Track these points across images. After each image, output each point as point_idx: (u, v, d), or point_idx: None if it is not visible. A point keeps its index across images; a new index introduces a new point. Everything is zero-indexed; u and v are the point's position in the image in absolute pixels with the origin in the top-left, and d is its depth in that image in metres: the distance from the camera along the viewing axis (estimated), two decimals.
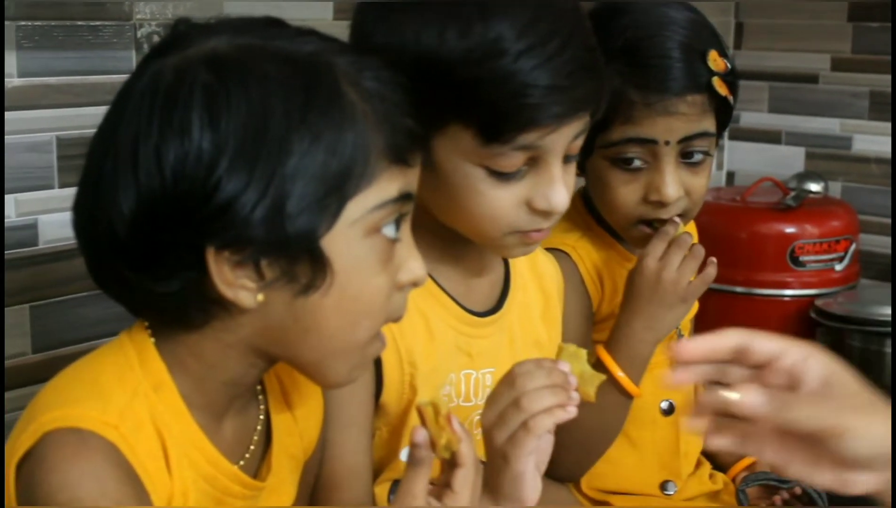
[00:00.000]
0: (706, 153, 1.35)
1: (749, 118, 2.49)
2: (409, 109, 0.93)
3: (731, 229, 2.12)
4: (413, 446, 0.94)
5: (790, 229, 2.11)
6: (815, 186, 2.28)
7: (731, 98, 1.35)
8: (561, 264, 1.37)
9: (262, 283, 0.89)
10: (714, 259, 1.36)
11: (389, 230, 0.92)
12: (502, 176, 1.07)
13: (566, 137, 1.08)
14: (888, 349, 1.94)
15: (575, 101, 1.06)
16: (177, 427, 0.93)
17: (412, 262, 0.95)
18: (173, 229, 0.87)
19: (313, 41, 0.92)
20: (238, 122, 0.86)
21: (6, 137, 1.38)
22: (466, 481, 0.97)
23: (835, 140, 2.39)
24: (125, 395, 0.91)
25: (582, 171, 1.36)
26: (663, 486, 1.47)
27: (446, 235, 1.17)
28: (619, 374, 1.34)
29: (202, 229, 0.86)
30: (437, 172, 1.08)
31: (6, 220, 1.40)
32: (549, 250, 1.36)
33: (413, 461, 0.94)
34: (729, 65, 1.35)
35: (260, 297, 0.89)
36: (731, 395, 0.86)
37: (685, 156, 1.34)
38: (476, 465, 0.98)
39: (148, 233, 0.87)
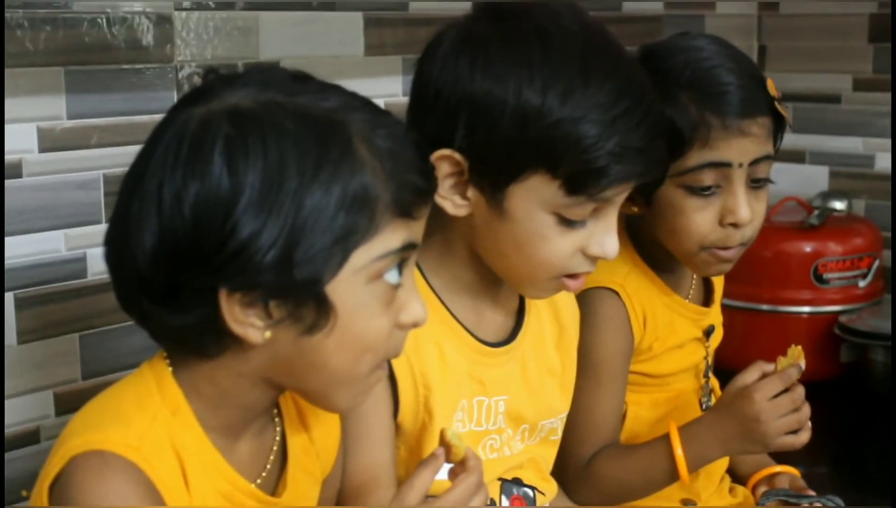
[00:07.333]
0: (767, 179, 1.40)
1: None
2: (418, 166, 0.98)
3: (755, 247, 2.02)
4: (432, 455, 1.02)
5: (814, 248, 2.13)
6: (838, 205, 2.27)
7: (788, 122, 1.41)
8: (608, 302, 1.41)
9: (270, 321, 0.93)
10: (809, 424, 1.35)
11: (392, 276, 0.97)
12: (570, 223, 1.14)
13: (629, 190, 1.17)
14: None
15: (652, 162, 1.16)
16: (194, 448, 0.98)
17: (414, 304, 0.99)
18: (190, 270, 0.91)
19: (333, 97, 0.96)
20: (255, 173, 0.90)
21: (56, 175, 1.44)
22: (467, 486, 1.03)
23: (858, 159, 2.39)
24: (145, 419, 0.96)
25: (646, 204, 1.39)
26: (685, 503, 1.49)
27: (473, 269, 1.23)
28: (678, 452, 1.36)
29: (216, 272, 0.90)
30: (506, 217, 1.14)
31: (57, 254, 1.46)
32: (598, 288, 1.40)
33: (425, 462, 1.02)
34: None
35: (267, 334, 0.94)
36: None
37: (752, 181, 1.38)
38: (481, 481, 1.04)
39: (167, 271, 0.92)
